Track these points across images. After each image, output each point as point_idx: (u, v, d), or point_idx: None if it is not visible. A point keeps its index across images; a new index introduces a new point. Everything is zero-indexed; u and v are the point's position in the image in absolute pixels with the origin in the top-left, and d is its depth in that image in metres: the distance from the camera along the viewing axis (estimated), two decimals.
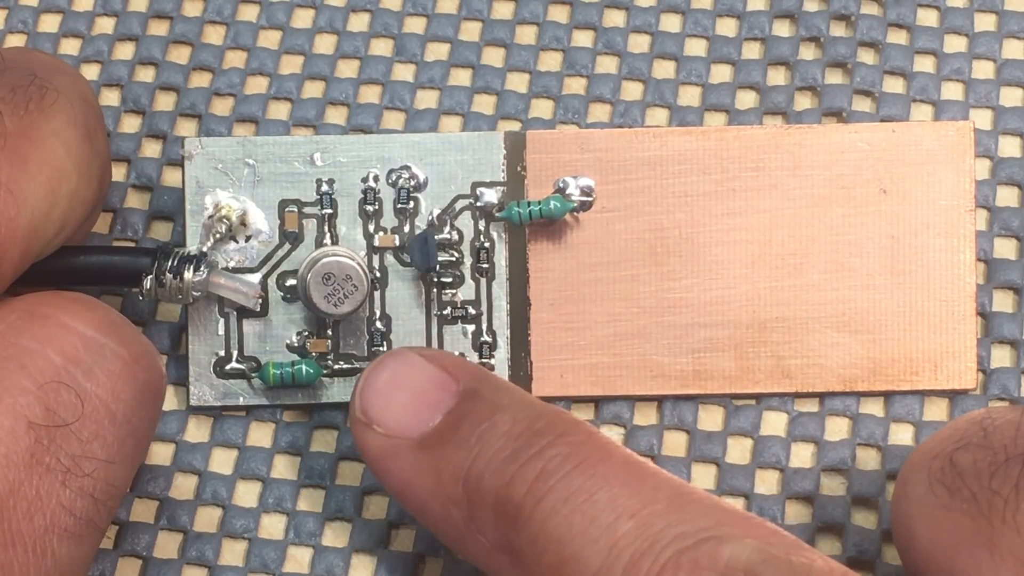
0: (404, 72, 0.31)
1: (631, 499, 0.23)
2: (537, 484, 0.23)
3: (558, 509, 0.23)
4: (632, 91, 0.31)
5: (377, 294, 0.29)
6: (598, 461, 0.24)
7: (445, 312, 0.29)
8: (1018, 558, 0.22)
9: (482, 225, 0.29)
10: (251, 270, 0.28)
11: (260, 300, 0.28)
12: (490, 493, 0.24)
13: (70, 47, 0.32)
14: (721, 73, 0.31)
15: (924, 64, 0.31)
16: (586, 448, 0.24)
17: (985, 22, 0.31)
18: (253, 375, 0.29)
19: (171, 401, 0.29)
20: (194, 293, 0.27)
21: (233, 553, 0.28)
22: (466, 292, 0.29)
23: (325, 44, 0.31)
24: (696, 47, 0.31)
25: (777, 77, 0.31)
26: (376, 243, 0.28)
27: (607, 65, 0.31)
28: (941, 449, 0.24)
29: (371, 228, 0.29)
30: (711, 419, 0.29)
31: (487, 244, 0.29)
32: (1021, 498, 0.22)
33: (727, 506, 0.23)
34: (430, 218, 0.29)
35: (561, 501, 0.23)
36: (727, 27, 0.31)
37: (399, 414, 0.25)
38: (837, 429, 0.29)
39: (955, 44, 0.31)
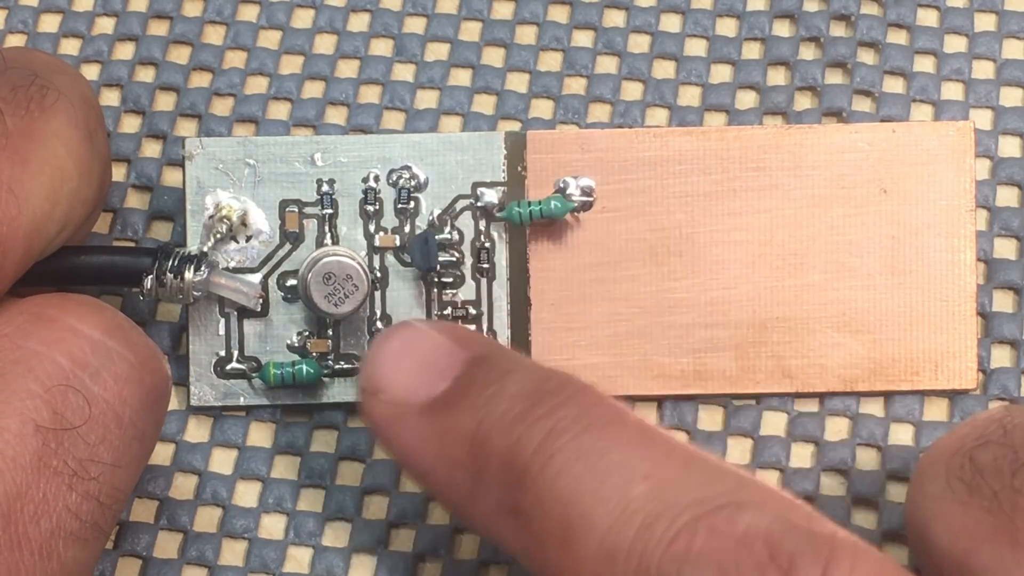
0: (404, 72, 0.31)
1: (645, 461, 0.22)
2: (546, 443, 0.23)
3: (567, 469, 0.22)
4: (632, 91, 0.31)
5: (378, 294, 0.29)
6: (609, 422, 0.23)
7: (446, 312, 0.29)
8: None
9: (483, 225, 0.29)
10: (252, 270, 0.28)
11: (261, 300, 0.28)
12: (496, 453, 0.23)
13: (70, 47, 0.32)
14: (721, 73, 0.31)
15: (924, 64, 0.31)
16: (598, 410, 0.23)
17: (985, 22, 0.31)
18: (254, 375, 0.29)
19: (171, 401, 0.28)
20: (195, 293, 0.27)
21: (233, 553, 0.28)
22: (467, 292, 0.29)
23: (325, 44, 0.31)
24: (696, 47, 0.31)
25: (777, 77, 0.31)
26: (377, 243, 0.28)
27: (607, 65, 0.31)
28: (960, 446, 0.24)
29: (372, 228, 0.29)
30: (711, 419, 0.29)
31: (488, 244, 0.29)
32: None
33: (744, 473, 0.22)
34: (431, 218, 0.29)
35: (571, 461, 0.22)
36: (727, 27, 0.31)
37: (405, 380, 0.25)
38: (837, 429, 0.29)
39: (955, 44, 0.31)
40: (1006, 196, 0.30)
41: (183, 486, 0.28)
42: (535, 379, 0.24)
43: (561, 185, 0.28)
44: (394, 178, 0.29)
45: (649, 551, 0.21)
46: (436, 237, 0.28)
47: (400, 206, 0.28)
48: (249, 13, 0.32)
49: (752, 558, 0.21)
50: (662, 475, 0.22)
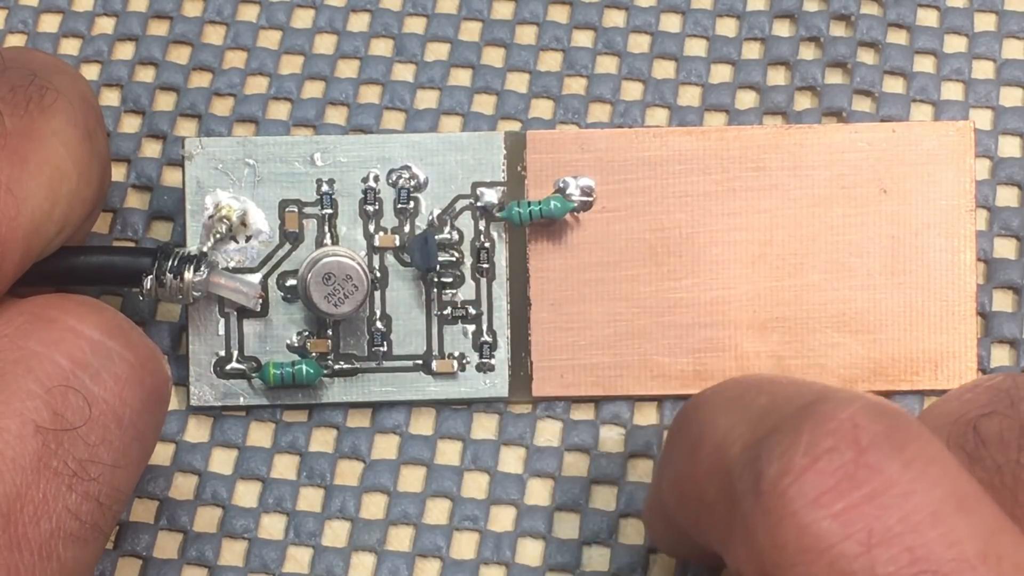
0: (404, 72, 0.31)
1: (771, 384, 0.23)
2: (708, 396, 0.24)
3: (711, 403, 0.23)
4: (632, 91, 0.31)
5: (377, 294, 0.29)
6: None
7: (445, 312, 0.29)
8: None
9: (482, 225, 0.29)
10: (251, 270, 0.28)
11: (260, 300, 0.28)
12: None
13: (70, 47, 0.32)
14: (721, 73, 0.31)
15: (924, 64, 0.31)
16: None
17: (985, 22, 0.31)
18: (253, 375, 0.29)
19: (171, 401, 0.29)
20: (194, 293, 0.27)
21: (233, 553, 0.28)
22: (466, 292, 0.29)
23: (325, 44, 0.31)
24: (696, 47, 0.31)
25: (777, 77, 0.31)
26: (376, 243, 0.28)
27: (607, 65, 0.31)
28: (963, 413, 0.23)
29: (371, 228, 0.29)
30: None
31: (487, 244, 0.29)
32: None
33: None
34: (430, 218, 0.29)
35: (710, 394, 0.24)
36: (727, 27, 0.31)
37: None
38: None
39: (955, 44, 0.31)
40: (1006, 196, 0.30)
41: (183, 486, 0.28)
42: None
43: (561, 185, 0.28)
44: (394, 178, 0.29)
45: (750, 440, 0.21)
46: (436, 237, 0.28)
47: (400, 206, 0.28)
48: (249, 13, 0.32)
49: (830, 430, 0.21)
50: (783, 392, 0.23)
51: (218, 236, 0.28)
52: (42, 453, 0.22)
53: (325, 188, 0.28)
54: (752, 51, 0.31)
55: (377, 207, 0.28)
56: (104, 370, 0.23)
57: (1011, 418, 0.23)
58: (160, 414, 0.25)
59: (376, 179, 0.29)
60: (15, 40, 0.32)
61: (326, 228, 0.28)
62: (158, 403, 0.25)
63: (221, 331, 0.29)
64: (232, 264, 0.28)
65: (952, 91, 0.31)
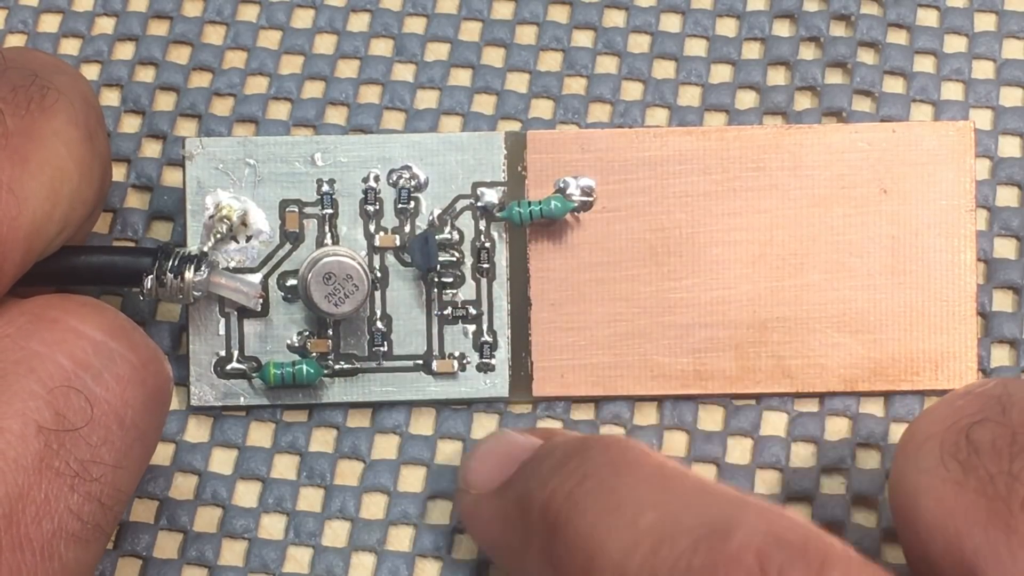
0: (404, 72, 0.31)
1: (654, 494, 0.23)
2: (574, 490, 0.24)
3: (588, 508, 0.23)
4: (632, 91, 0.31)
5: (378, 294, 0.29)
6: (631, 465, 0.24)
7: (446, 312, 0.29)
8: None
9: (483, 225, 0.29)
10: (252, 270, 0.28)
11: (261, 300, 0.28)
12: (537, 506, 0.24)
13: (70, 47, 0.32)
14: (721, 73, 0.31)
15: (924, 64, 0.31)
16: (625, 455, 0.24)
17: (985, 22, 0.31)
18: (254, 375, 0.29)
19: (171, 401, 0.29)
20: (195, 293, 0.27)
21: (233, 553, 0.28)
22: (467, 292, 0.29)
23: (325, 44, 0.31)
24: (696, 47, 0.31)
25: (777, 77, 0.31)
26: (377, 243, 0.28)
27: (607, 65, 0.31)
28: (955, 420, 0.24)
29: (372, 228, 0.29)
30: (711, 419, 0.29)
31: (488, 244, 0.29)
32: None
33: (750, 498, 0.23)
34: (431, 218, 0.29)
35: (591, 501, 0.24)
36: (727, 27, 0.31)
37: (487, 473, 0.26)
38: (837, 429, 0.29)
39: (955, 44, 0.31)
40: (1006, 196, 0.30)
41: (183, 486, 0.28)
42: (577, 442, 0.25)
43: (561, 185, 0.28)
44: (394, 178, 0.29)
45: (655, 572, 0.22)
46: (436, 237, 0.28)
47: (400, 206, 0.28)
48: (249, 13, 0.32)
49: (743, 571, 0.21)
50: (668, 505, 0.23)
51: (218, 236, 0.28)
52: (44, 453, 0.22)
53: (325, 188, 0.28)
54: (752, 51, 0.31)
55: (377, 207, 0.28)
56: (106, 370, 0.23)
57: (1003, 425, 0.23)
58: (162, 414, 0.25)
59: (376, 179, 0.29)
60: (15, 40, 0.32)
61: (326, 228, 0.28)
62: (160, 403, 0.25)
63: (221, 331, 0.29)
64: (232, 264, 0.28)
65: (952, 91, 0.31)
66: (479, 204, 0.29)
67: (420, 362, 0.29)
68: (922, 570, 0.24)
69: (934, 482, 0.23)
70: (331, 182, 0.28)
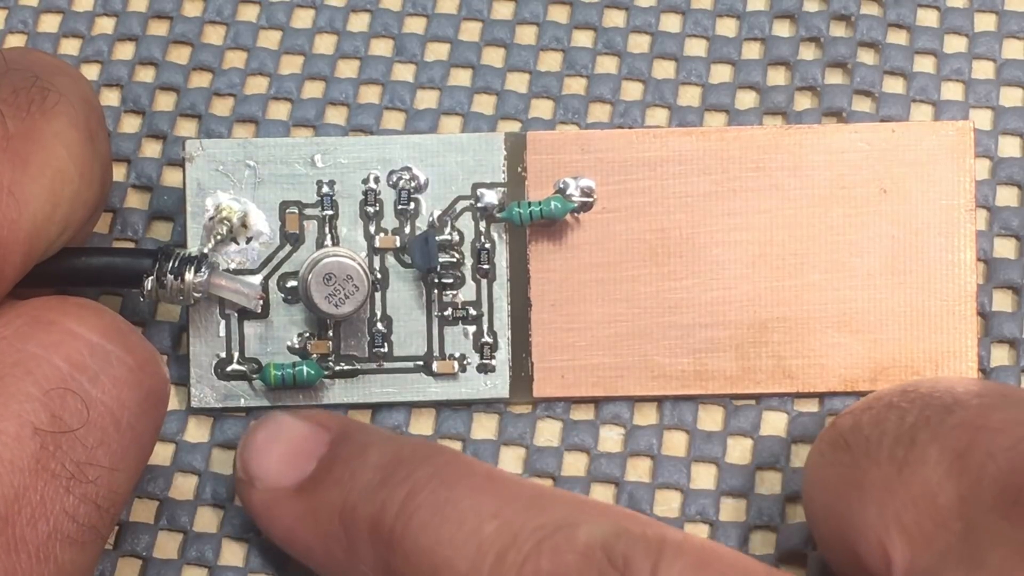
0: (404, 72, 0.31)
1: (493, 503, 0.24)
2: (406, 503, 0.24)
3: (426, 522, 0.24)
4: (632, 91, 0.31)
5: (378, 295, 0.29)
6: (461, 476, 0.25)
7: (446, 313, 0.29)
8: (881, 488, 0.23)
9: (483, 226, 0.29)
10: (252, 271, 0.28)
11: (261, 301, 0.28)
12: (364, 521, 0.25)
13: (70, 47, 0.32)
14: (721, 73, 0.31)
15: (924, 64, 0.31)
16: (450, 467, 0.25)
17: (985, 22, 0.31)
18: (254, 376, 0.29)
19: (171, 401, 0.29)
20: (195, 294, 0.27)
21: (233, 553, 0.28)
22: (467, 293, 0.29)
23: (325, 44, 0.31)
24: (696, 47, 0.31)
25: (777, 77, 0.31)
26: (377, 244, 0.28)
27: (607, 65, 0.31)
28: (851, 409, 0.25)
29: (372, 229, 0.29)
30: (711, 419, 0.29)
31: (488, 245, 0.29)
32: (883, 436, 0.24)
33: (586, 499, 0.25)
34: (431, 219, 0.29)
35: (428, 515, 0.24)
36: (727, 27, 0.31)
37: (276, 466, 0.27)
38: None
39: (955, 44, 0.31)
40: (1006, 196, 0.30)
41: (183, 486, 0.28)
42: (393, 449, 0.26)
43: (561, 186, 0.28)
44: (394, 179, 0.29)
45: None
46: (436, 238, 0.28)
47: (400, 207, 0.28)
48: (249, 13, 0.32)
49: (592, 565, 0.22)
50: (509, 511, 0.24)
51: (219, 238, 0.28)
52: (40, 455, 0.22)
53: (326, 189, 0.28)
54: (752, 51, 0.31)
55: (377, 208, 0.28)
56: (103, 373, 0.23)
57: (894, 407, 0.25)
58: (158, 417, 0.25)
59: (376, 180, 0.29)
60: (15, 40, 0.32)
61: (327, 229, 0.28)
62: (156, 406, 0.25)
63: (222, 332, 0.29)
64: (233, 265, 0.28)
65: (952, 91, 0.31)
66: (479, 205, 0.29)
67: (420, 363, 0.29)
68: (832, 559, 0.25)
69: (813, 472, 0.25)
70: (331, 183, 0.28)
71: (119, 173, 0.30)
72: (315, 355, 0.29)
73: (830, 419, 0.28)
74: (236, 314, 0.29)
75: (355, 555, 0.25)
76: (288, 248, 0.28)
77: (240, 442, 0.27)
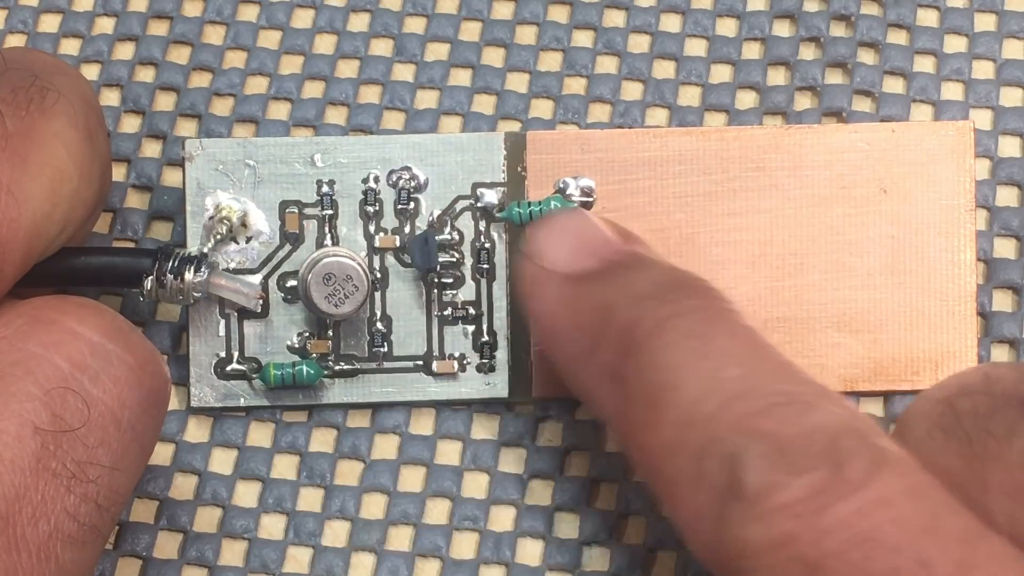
0: (404, 72, 0.31)
1: (744, 354, 0.24)
2: (664, 320, 0.24)
3: (676, 343, 0.24)
4: (632, 91, 0.31)
5: (378, 295, 0.29)
6: (725, 321, 0.25)
7: (446, 313, 0.29)
8: (1005, 494, 0.22)
9: (483, 226, 0.29)
10: (252, 271, 0.28)
11: (261, 301, 0.28)
12: (622, 321, 0.25)
13: (70, 47, 0.32)
14: (721, 73, 0.31)
15: (924, 64, 0.31)
16: (717, 309, 0.25)
17: (985, 22, 0.31)
18: (254, 376, 0.29)
19: (171, 401, 0.29)
20: (195, 294, 0.27)
21: (233, 553, 0.28)
22: (467, 293, 0.29)
23: (325, 44, 0.31)
24: (696, 47, 0.31)
25: (777, 77, 0.31)
26: (377, 244, 0.28)
27: (607, 65, 0.31)
28: (944, 395, 0.24)
29: (372, 229, 0.29)
30: None
31: (488, 245, 0.29)
32: (1014, 437, 0.23)
33: (828, 388, 0.24)
34: (430, 219, 0.29)
35: (680, 337, 0.24)
36: (727, 27, 0.31)
37: (560, 251, 0.27)
38: None
39: (955, 44, 0.31)
40: (1006, 196, 0.30)
41: (183, 486, 0.28)
42: (674, 275, 0.26)
43: (561, 186, 0.28)
44: (394, 179, 0.29)
45: (721, 421, 0.23)
46: (436, 238, 0.28)
47: (400, 207, 0.28)
48: (249, 13, 0.32)
49: (810, 447, 0.22)
50: (754, 368, 0.24)
51: (218, 237, 0.28)
52: (41, 455, 0.22)
53: (325, 189, 0.28)
54: (752, 51, 0.31)
55: (377, 208, 0.28)
56: (103, 372, 0.23)
57: (985, 394, 0.24)
58: (159, 416, 0.25)
59: (376, 180, 0.29)
60: (15, 40, 0.32)
61: (326, 229, 0.28)
62: (157, 405, 0.25)
63: (222, 332, 0.29)
64: (232, 265, 0.28)
65: (952, 91, 0.31)
66: (479, 205, 0.29)
67: (420, 363, 0.29)
68: None
69: (921, 453, 0.24)
70: (331, 183, 0.28)
71: (119, 173, 0.30)
72: (315, 355, 0.29)
73: None
74: (236, 314, 0.28)
75: (597, 350, 0.25)
76: (288, 248, 0.28)
77: (541, 220, 0.28)
